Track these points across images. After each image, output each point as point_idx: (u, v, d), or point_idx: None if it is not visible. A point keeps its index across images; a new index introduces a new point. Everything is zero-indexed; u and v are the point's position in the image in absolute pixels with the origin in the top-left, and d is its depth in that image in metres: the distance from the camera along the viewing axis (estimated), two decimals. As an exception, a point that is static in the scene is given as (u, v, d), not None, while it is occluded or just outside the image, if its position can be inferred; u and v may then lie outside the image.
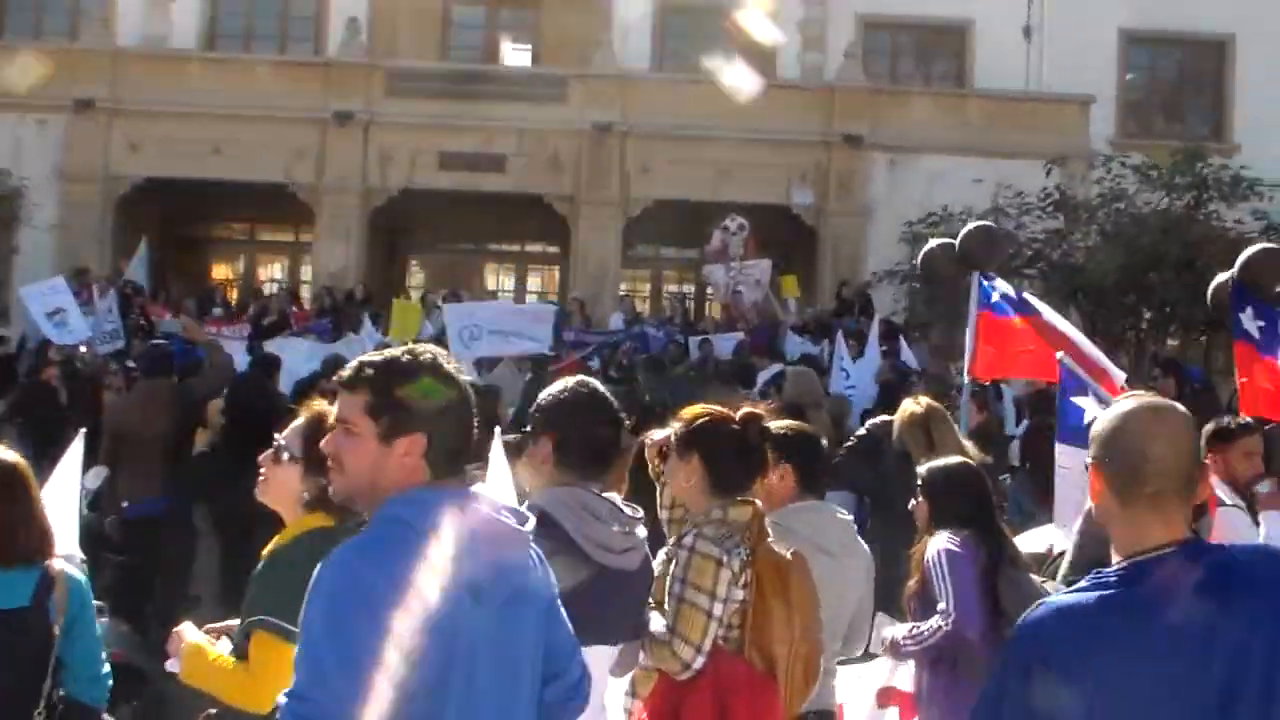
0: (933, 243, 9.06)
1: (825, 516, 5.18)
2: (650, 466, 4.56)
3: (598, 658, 3.79)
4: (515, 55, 27.81)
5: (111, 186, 23.88)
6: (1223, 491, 6.09)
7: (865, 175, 24.67)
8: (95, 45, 24.32)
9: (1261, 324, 8.06)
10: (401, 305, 20.18)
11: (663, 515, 4.48)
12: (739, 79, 23.71)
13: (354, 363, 3.02)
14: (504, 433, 4.83)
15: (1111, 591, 2.67)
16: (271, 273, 29.23)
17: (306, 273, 26.61)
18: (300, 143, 23.84)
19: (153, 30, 25.59)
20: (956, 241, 8.77)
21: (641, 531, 4.06)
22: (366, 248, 24.52)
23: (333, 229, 24.10)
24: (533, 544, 3.08)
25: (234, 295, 25.68)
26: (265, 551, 3.84)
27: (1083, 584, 2.75)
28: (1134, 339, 20.21)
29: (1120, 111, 26.83)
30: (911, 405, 7.37)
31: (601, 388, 4.15)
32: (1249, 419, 7.01)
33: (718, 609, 4.06)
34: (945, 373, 14.25)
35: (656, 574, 4.19)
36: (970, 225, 8.88)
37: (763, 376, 14.13)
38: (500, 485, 4.64)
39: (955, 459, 5.64)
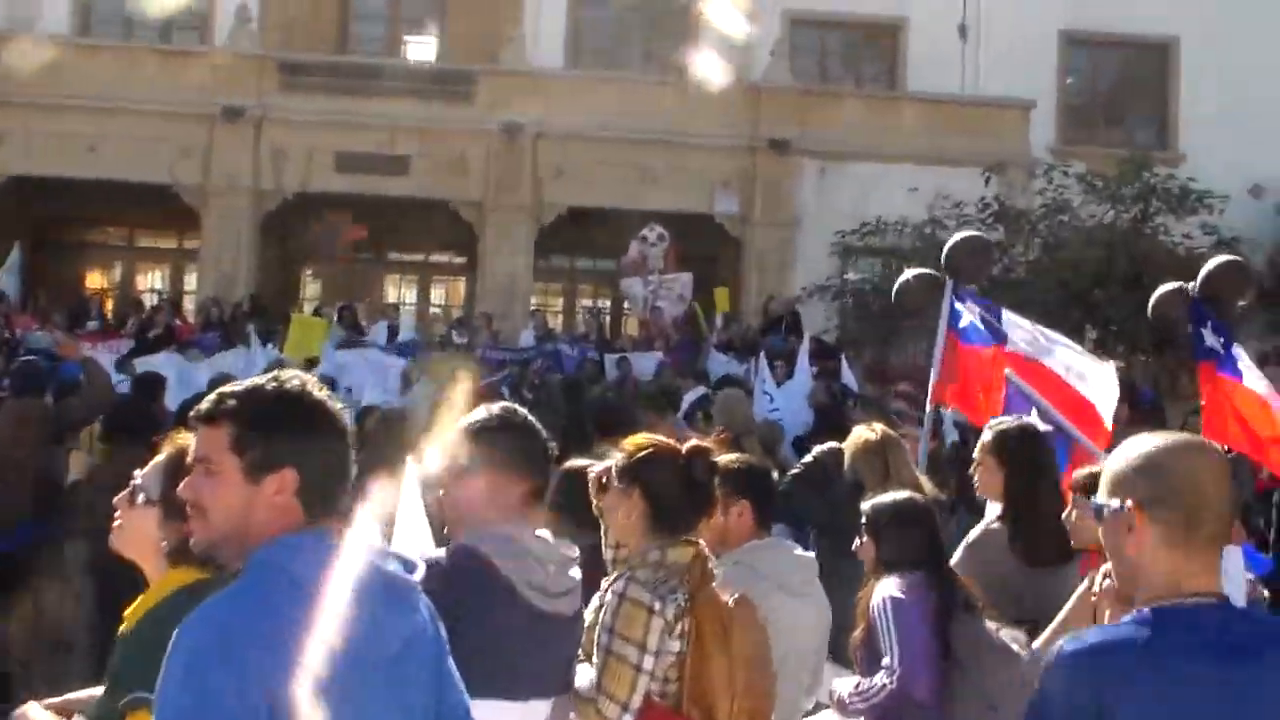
0: (909, 274, 8.94)
1: (786, 554, 5.14)
2: (593, 502, 4.41)
3: (534, 714, 3.70)
4: (419, 49, 27.59)
5: (-29, 185, 23.28)
6: None
7: (793, 183, 24.69)
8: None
9: (1221, 340, 8.08)
10: (301, 320, 19.88)
11: (608, 555, 4.34)
12: (659, 78, 23.73)
13: (213, 394, 2.86)
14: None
15: (1150, 635, 2.68)
16: (152, 281, 28.67)
17: (191, 282, 26.15)
18: (185, 140, 23.40)
19: (18, 12, 24.97)
20: (942, 254, 8.65)
21: (576, 573, 3.97)
22: (257, 255, 24.14)
23: (220, 234, 23.67)
24: (423, 595, 2.95)
25: (109, 306, 25.12)
26: (130, 613, 3.52)
27: (1125, 623, 2.75)
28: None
29: (1060, 116, 27.13)
30: (866, 432, 7.24)
31: (523, 411, 4.05)
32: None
33: (648, 662, 3.94)
34: (883, 396, 14.25)
35: (588, 623, 4.08)
36: (959, 235, 8.78)
37: (686, 399, 14.02)
38: (413, 521, 4.46)
39: (903, 494, 5.56)
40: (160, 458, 3.65)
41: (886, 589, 4.99)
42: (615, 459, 4.32)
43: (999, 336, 8.11)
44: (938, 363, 8.15)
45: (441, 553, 3.81)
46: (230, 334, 19.38)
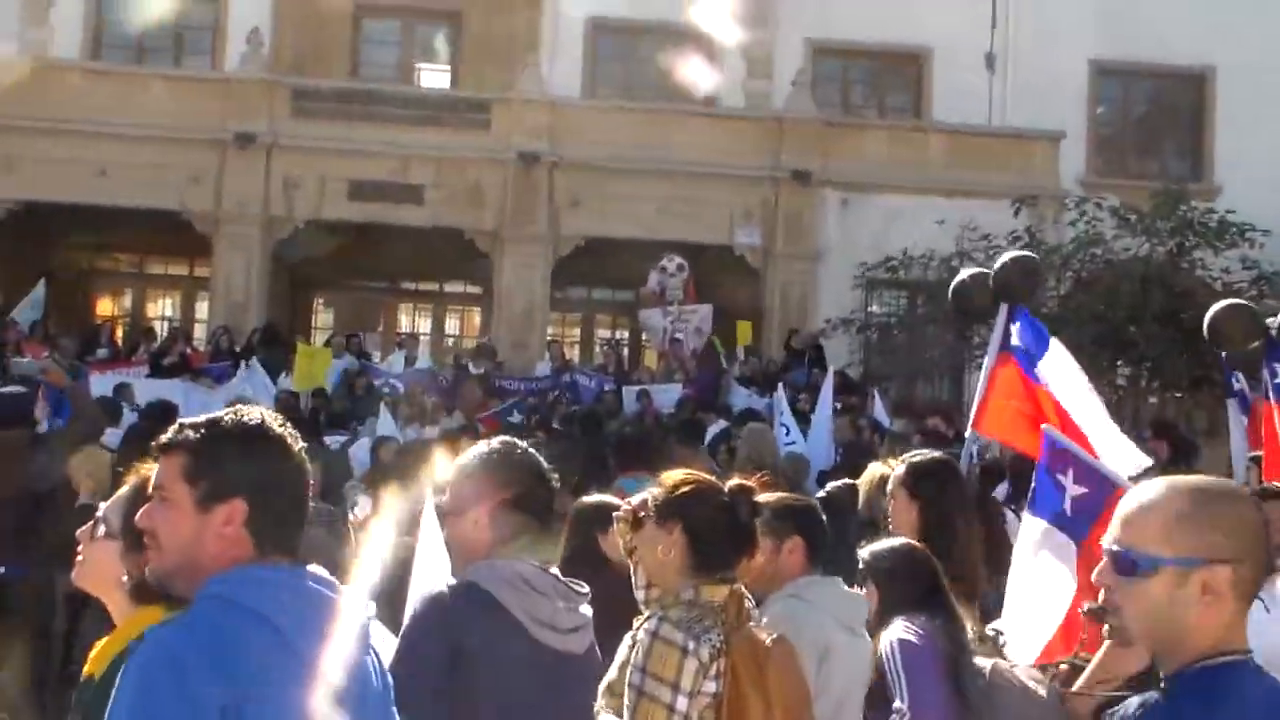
0: (964, 273, 8.72)
1: (843, 591, 5.05)
2: (621, 537, 4.33)
3: None
4: (433, 76, 27.62)
5: (-20, 211, 23.28)
6: None
7: (816, 214, 24.61)
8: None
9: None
10: (306, 351, 19.84)
11: (639, 595, 4.22)
12: (679, 107, 23.68)
13: (175, 425, 2.95)
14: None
15: (1213, 697, 2.58)
16: (163, 309, 28.71)
17: (202, 310, 26.13)
18: (196, 166, 23.38)
19: (30, 36, 25.09)
20: (991, 271, 8.45)
21: (587, 610, 3.98)
22: (269, 283, 24.11)
23: (231, 262, 23.65)
24: (371, 634, 3.02)
25: (120, 333, 25.10)
26: (96, 654, 3.40)
27: (1172, 690, 2.62)
28: (1112, 398, 20.24)
29: (1091, 148, 27.06)
30: (881, 469, 7.13)
31: (525, 446, 4.10)
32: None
33: (681, 703, 3.87)
34: (911, 432, 14.12)
35: (619, 661, 4.03)
36: (1008, 254, 8.58)
37: (708, 433, 13.95)
38: (433, 552, 4.48)
39: (899, 540, 5.46)
40: (123, 489, 3.61)
41: (894, 633, 4.89)
42: (652, 494, 4.25)
43: (1033, 369, 7.86)
44: (983, 388, 7.91)
45: (443, 588, 3.81)
46: (240, 363, 19.32)
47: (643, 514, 4.22)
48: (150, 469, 3.41)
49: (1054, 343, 7.74)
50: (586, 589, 4.02)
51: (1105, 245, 20.87)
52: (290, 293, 26.64)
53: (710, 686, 3.92)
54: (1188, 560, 2.57)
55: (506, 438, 4.17)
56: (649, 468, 7.67)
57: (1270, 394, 7.99)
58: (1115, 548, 2.63)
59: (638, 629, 4.02)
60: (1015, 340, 7.72)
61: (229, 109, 23.53)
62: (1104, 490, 6.50)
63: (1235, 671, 2.58)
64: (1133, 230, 20.95)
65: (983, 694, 4.80)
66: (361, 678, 2.89)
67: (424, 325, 29.03)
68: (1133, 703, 2.67)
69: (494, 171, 23.98)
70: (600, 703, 4.06)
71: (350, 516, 8.73)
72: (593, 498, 6.32)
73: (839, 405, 16.33)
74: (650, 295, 21.39)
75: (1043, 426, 6.83)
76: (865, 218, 24.08)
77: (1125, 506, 2.68)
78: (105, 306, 28.64)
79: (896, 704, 4.79)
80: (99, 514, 3.60)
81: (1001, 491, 11.83)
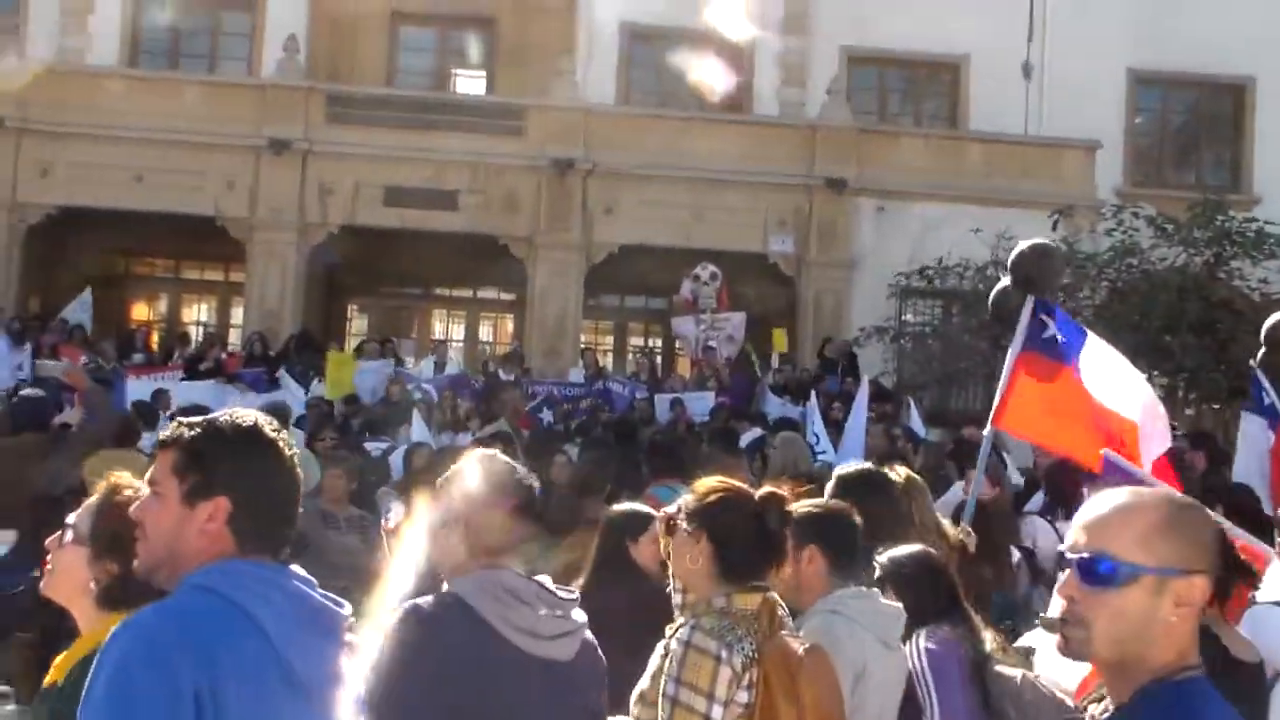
0: (1004, 281, 8.64)
1: (880, 604, 4.96)
2: (661, 544, 4.36)
3: None
4: (468, 83, 27.69)
5: (19, 215, 23.45)
6: None
7: (850, 222, 24.55)
8: (1, 57, 23.92)
9: None
10: (336, 359, 19.90)
11: (675, 600, 4.23)
12: (713, 114, 23.69)
13: (174, 423, 3.07)
14: None
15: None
16: (198, 314, 28.84)
17: (237, 315, 26.25)
18: (232, 172, 23.53)
19: (68, 43, 25.30)
20: (1009, 266, 8.37)
21: (579, 615, 4.00)
22: (303, 289, 24.20)
23: (266, 268, 23.76)
24: (349, 631, 3.07)
25: (155, 339, 25.23)
26: (60, 662, 3.41)
27: (1194, 696, 2.56)
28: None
29: (1128, 158, 26.96)
30: (889, 476, 7.12)
31: (503, 458, 4.14)
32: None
33: (716, 712, 3.87)
34: (947, 441, 14.07)
35: (651, 670, 4.02)
36: (1023, 244, 8.51)
37: (743, 440, 13.91)
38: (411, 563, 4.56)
39: (915, 547, 5.43)
40: (93, 497, 3.63)
41: (920, 643, 4.90)
42: (684, 501, 4.26)
43: (1069, 359, 7.77)
44: (1004, 385, 7.87)
45: (422, 601, 3.87)
46: (274, 369, 19.41)
47: (675, 521, 4.22)
48: (119, 477, 3.61)
49: (1092, 336, 7.68)
50: (574, 594, 4.06)
51: (1142, 255, 20.76)
52: (325, 299, 26.74)
53: (743, 696, 3.91)
54: (1168, 570, 2.53)
55: (489, 451, 4.20)
56: (682, 475, 7.67)
57: None
58: (1086, 556, 2.55)
59: (670, 638, 4.01)
60: (1049, 333, 7.67)
61: (265, 115, 23.64)
62: None
63: (1196, 687, 2.54)
64: (1169, 240, 20.84)
65: (1009, 703, 4.81)
66: (334, 677, 2.95)
67: (457, 332, 29.07)
68: None
69: (528, 178, 24.02)
70: (634, 711, 4.06)
71: (383, 522, 8.75)
72: (623, 506, 6.33)
73: (873, 414, 16.28)
74: (683, 303, 21.40)
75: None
76: (900, 226, 24.01)
77: (1090, 515, 2.60)
78: (140, 311, 28.75)
79: (926, 715, 4.80)
80: (68, 521, 3.60)
81: (1037, 502, 11.82)
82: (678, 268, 22.03)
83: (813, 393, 17.33)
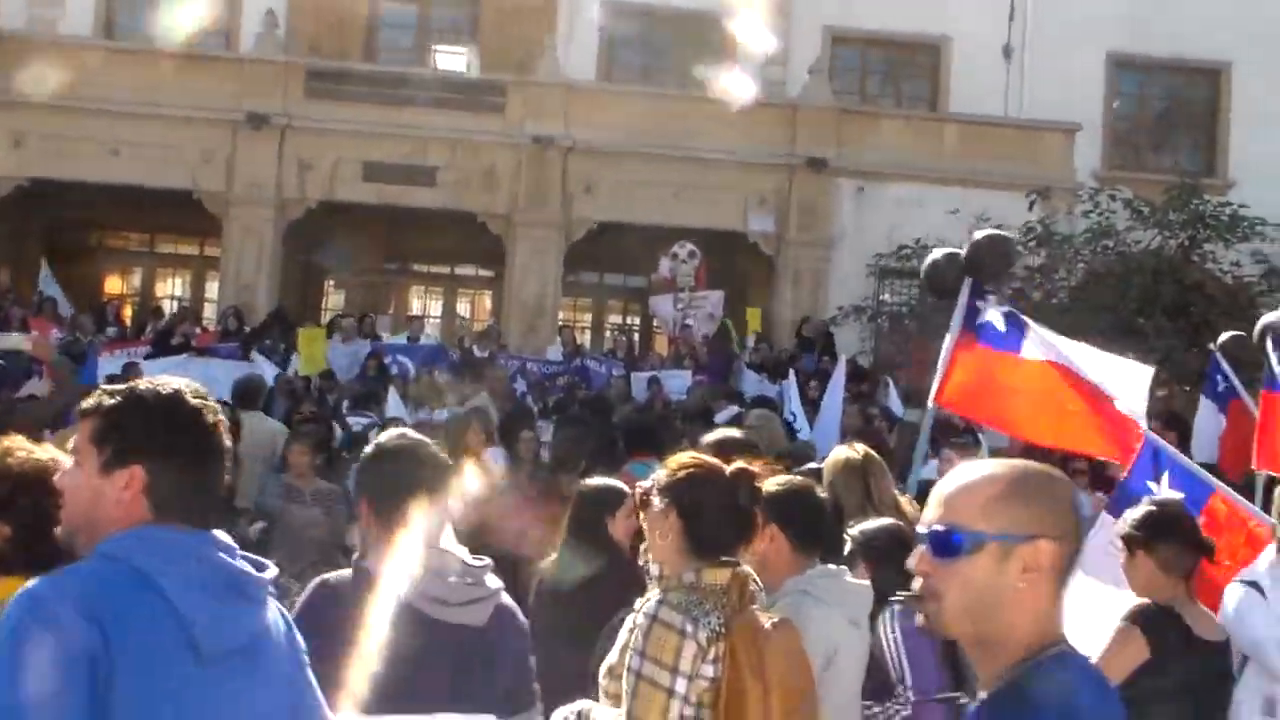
0: (937, 252, 8.78)
1: (847, 584, 4.98)
2: (640, 516, 4.38)
3: None
4: (449, 59, 27.60)
5: (-9, 187, 23.29)
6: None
7: (830, 202, 24.58)
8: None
9: None
10: (307, 334, 19.84)
11: (652, 571, 4.26)
12: (694, 93, 23.63)
13: (97, 391, 3.06)
14: None
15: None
16: (172, 288, 28.72)
17: (212, 290, 26.17)
18: (209, 146, 23.43)
19: (39, 12, 25.07)
20: (963, 250, 8.50)
21: (493, 582, 4.09)
22: (280, 264, 24.13)
23: (243, 243, 23.67)
24: (277, 599, 3.09)
25: (128, 312, 25.13)
26: None
27: (1072, 670, 2.56)
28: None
29: (1106, 141, 27.03)
30: (847, 452, 7.12)
31: (414, 435, 4.31)
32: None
33: (680, 685, 3.87)
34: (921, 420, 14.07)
35: (619, 644, 4.04)
36: (981, 232, 8.64)
37: (719, 418, 13.93)
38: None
39: (886, 520, 5.48)
40: None
41: (892, 620, 4.96)
42: (657, 476, 4.28)
43: (1015, 345, 7.95)
44: (944, 362, 8.02)
45: (331, 575, 4.04)
46: (250, 345, 19.35)
47: (648, 497, 4.24)
48: (12, 440, 3.60)
49: (1033, 325, 7.85)
50: (489, 563, 4.14)
51: (1118, 237, 20.86)
52: (301, 274, 26.67)
53: (709, 670, 3.91)
54: (1010, 536, 2.52)
55: (401, 429, 4.41)
56: (658, 453, 7.71)
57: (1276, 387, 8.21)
58: (936, 529, 2.56)
59: (638, 612, 4.01)
60: (985, 318, 7.83)
61: (243, 89, 23.54)
62: (1200, 492, 6.52)
63: (1063, 663, 2.53)
64: (1145, 223, 20.94)
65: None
66: (256, 633, 2.96)
67: (435, 309, 29.05)
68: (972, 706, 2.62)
69: (508, 154, 23.98)
70: (602, 684, 4.08)
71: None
72: (596, 480, 6.34)
73: (849, 393, 16.33)
74: (661, 281, 21.38)
75: (1144, 432, 6.86)
76: (879, 206, 24.06)
77: (942, 489, 2.61)
78: (114, 285, 28.66)
79: (898, 690, 4.84)
80: None
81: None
82: (657, 246, 22.01)
83: (790, 371, 17.36)
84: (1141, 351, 19.76)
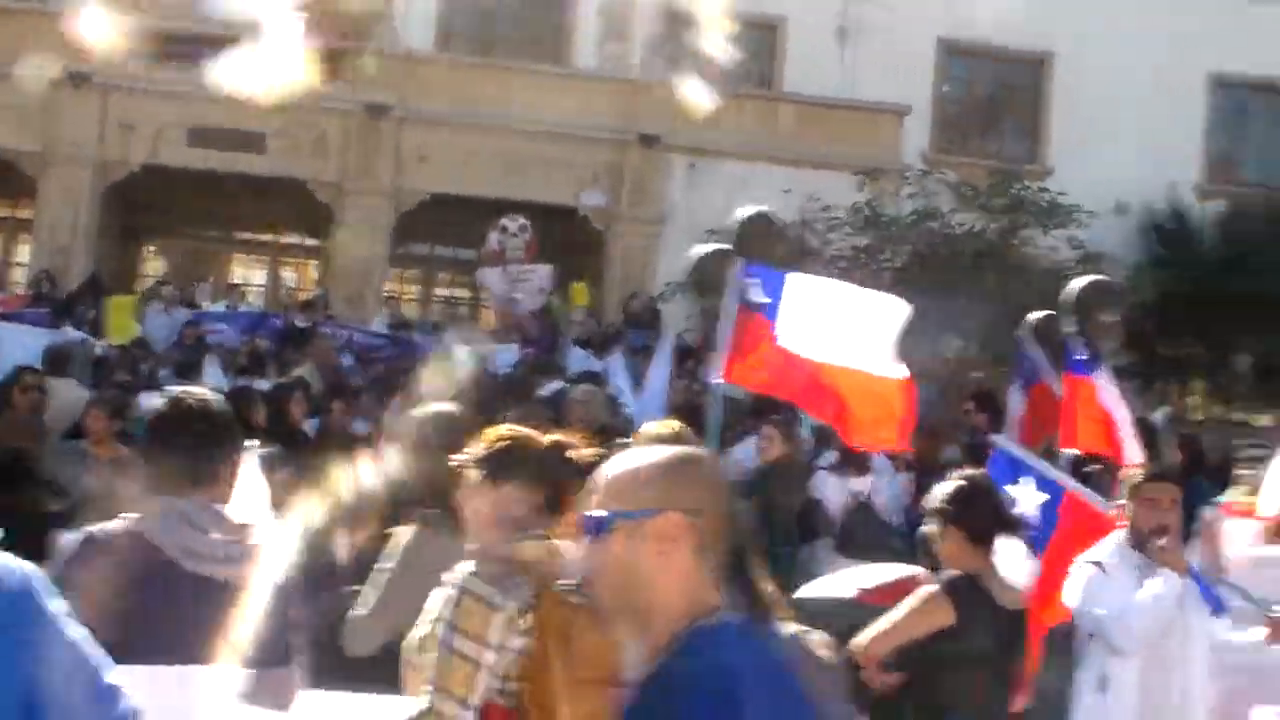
0: (703, 248, 8.95)
1: None
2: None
3: (193, 679, 3.88)
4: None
5: None
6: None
7: (662, 179, 24.70)
8: None
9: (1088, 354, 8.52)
10: (117, 303, 19.35)
11: (468, 547, 4.26)
12: (532, 65, 23.60)
13: None
14: None
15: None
16: (-19, 250, 27.84)
17: (23, 252, 25.42)
18: (26, 105, 22.67)
19: None
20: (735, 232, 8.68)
21: (254, 539, 4.15)
22: (98, 228, 23.50)
23: (59, 205, 23.01)
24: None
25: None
26: None
27: (722, 638, 2.65)
28: (943, 370, 20.64)
29: (935, 125, 27.54)
30: (658, 428, 7.19)
31: (198, 399, 4.32)
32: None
33: (488, 658, 3.87)
34: (749, 396, 14.22)
35: (431, 615, 4.02)
36: (746, 211, 8.81)
37: (544, 393, 13.93)
38: (251, 498, 4.60)
39: None
40: None
41: None
42: (474, 449, 4.30)
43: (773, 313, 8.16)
44: (726, 339, 8.19)
45: (95, 529, 4.05)
46: (63, 310, 18.80)
47: (466, 469, 4.28)
48: None
49: (790, 281, 8.04)
50: (250, 520, 4.20)
51: (942, 219, 21.32)
52: (120, 239, 26.01)
53: (517, 642, 3.92)
54: (641, 512, 2.65)
55: (178, 391, 4.39)
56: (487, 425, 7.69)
57: (1077, 368, 8.54)
58: (586, 514, 2.71)
59: (448, 584, 4.00)
60: (755, 295, 8.00)
61: (63, 47, 22.77)
62: (1055, 492, 6.75)
63: (714, 635, 2.62)
64: (969, 206, 21.43)
65: None
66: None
67: (258, 277, 28.57)
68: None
69: (339, 122, 23.67)
70: (413, 658, 4.06)
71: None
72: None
73: (676, 370, 16.42)
74: (491, 254, 21.25)
75: (994, 438, 7.09)
76: (712, 184, 24.15)
77: (597, 477, 2.76)
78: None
79: None
80: None
81: (830, 458, 12.14)
82: (489, 219, 21.90)
83: (616, 347, 17.41)
84: (962, 333, 20.34)
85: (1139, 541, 6.28)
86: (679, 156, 24.61)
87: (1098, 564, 6.27)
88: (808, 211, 21.73)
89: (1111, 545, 6.34)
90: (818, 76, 26.04)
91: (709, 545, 2.67)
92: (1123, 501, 6.52)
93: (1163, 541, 6.19)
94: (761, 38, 27.70)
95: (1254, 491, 7.49)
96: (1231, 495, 7.64)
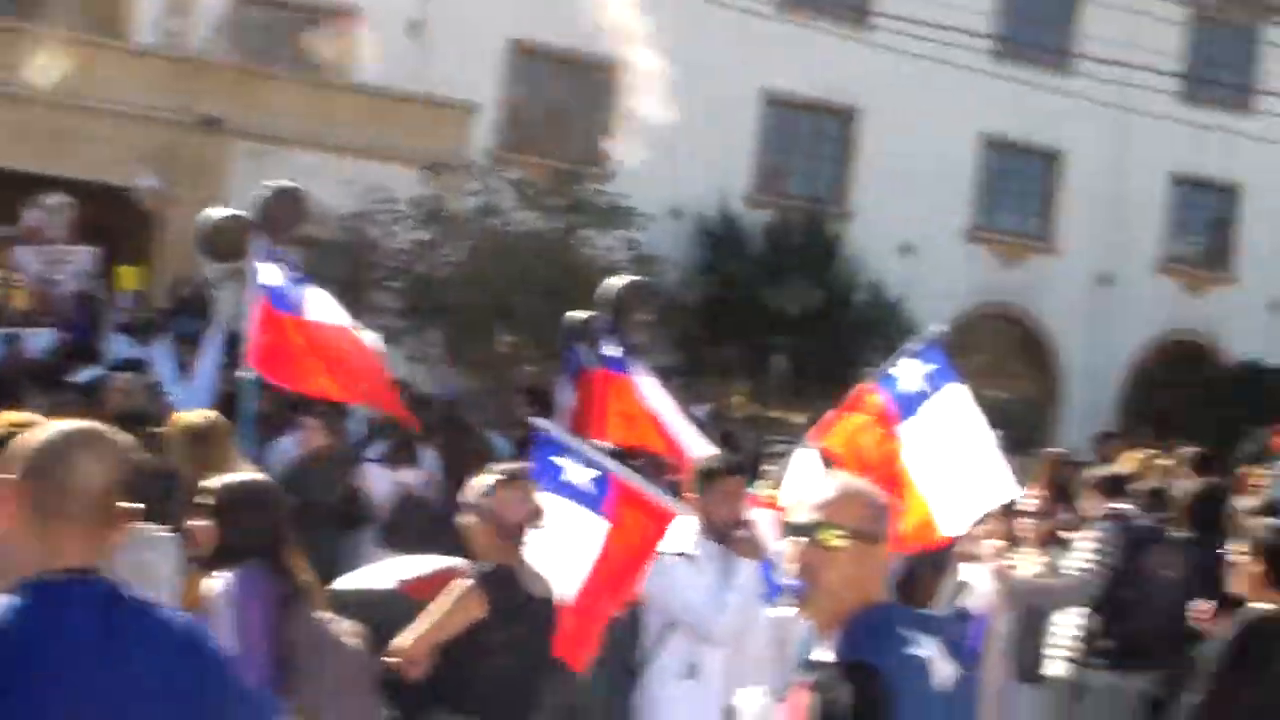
0: (214, 213, 8.71)
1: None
2: None
3: None
4: None
5: None
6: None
7: (223, 164, 23.88)
8: None
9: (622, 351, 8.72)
10: None
11: None
12: (85, 36, 22.44)
13: None
14: None
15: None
16: None
17: None
18: None
19: None
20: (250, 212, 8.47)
21: None
22: None
23: None
24: None
25: None
26: None
27: None
28: (498, 364, 20.83)
29: (502, 124, 27.76)
30: (191, 417, 6.98)
31: None
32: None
33: None
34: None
35: None
36: (269, 186, 8.63)
37: (79, 379, 13.27)
38: None
39: (252, 475, 5.46)
40: None
41: (220, 582, 4.88)
42: None
43: (296, 307, 8.12)
44: (251, 329, 8.12)
45: None
46: None
47: None
48: None
49: (313, 289, 8.06)
50: None
51: (504, 217, 21.52)
52: None
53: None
54: None
55: None
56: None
57: (610, 365, 8.77)
58: None
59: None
60: (273, 281, 7.94)
61: None
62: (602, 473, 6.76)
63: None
64: (531, 205, 21.71)
65: (308, 645, 4.92)
66: None
67: None
68: None
69: None
70: None
71: None
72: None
73: (226, 358, 15.92)
74: (28, 232, 20.08)
75: (535, 421, 7.10)
76: (275, 171, 23.34)
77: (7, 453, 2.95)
78: None
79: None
80: None
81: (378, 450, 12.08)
82: (31, 195, 20.70)
83: (163, 334, 16.76)
84: (515, 328, 20.62)
85: (715, 532, 6.48)
86: (242, 141, 23.88)
87: (682, 554, 6.41)
88: (371, 203, 21.56)
89: (691, 536, 6.48)
90: (390, 69, 25.77)
91: (40, 508, 2.76)
92: (691, 494, 6.68)
93: (742, 532, 6.42)
94: (334, 25, 27.26)
95: (777, 485, 7.75)
96: (757, 488, 7.89)
